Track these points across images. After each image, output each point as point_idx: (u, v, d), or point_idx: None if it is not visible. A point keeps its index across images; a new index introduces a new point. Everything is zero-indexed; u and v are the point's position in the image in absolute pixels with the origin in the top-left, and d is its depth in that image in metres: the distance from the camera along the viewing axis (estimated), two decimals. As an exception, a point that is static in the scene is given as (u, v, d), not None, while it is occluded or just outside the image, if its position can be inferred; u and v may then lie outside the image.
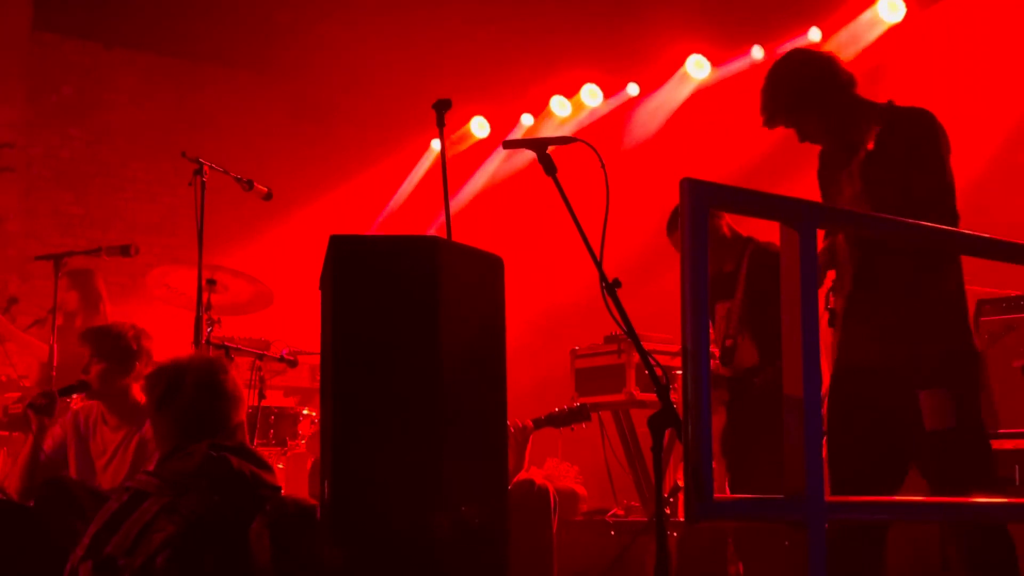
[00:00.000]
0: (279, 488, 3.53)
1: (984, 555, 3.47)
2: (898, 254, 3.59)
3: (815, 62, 3.84)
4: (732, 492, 4.84)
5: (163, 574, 3.15)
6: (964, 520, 3.37)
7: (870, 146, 3.66)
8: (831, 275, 3.87)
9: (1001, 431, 4.89)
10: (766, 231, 4.21)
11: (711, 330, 5.22)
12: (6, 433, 6.55)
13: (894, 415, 3.58)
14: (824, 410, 4.99)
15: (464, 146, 10.38)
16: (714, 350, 5.21)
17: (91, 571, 3.22)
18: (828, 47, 8.20)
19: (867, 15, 8.00)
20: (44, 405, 4.74)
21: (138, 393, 4.93)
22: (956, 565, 3.51)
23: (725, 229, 5.23)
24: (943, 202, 3.58)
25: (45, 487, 4.33)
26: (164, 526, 3.23)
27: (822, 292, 3.93)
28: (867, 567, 3.60)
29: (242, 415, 3.72)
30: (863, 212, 3.49)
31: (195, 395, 3.58)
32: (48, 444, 4.86)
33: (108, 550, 3.24)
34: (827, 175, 3.89)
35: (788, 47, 8.27)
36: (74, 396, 5.05)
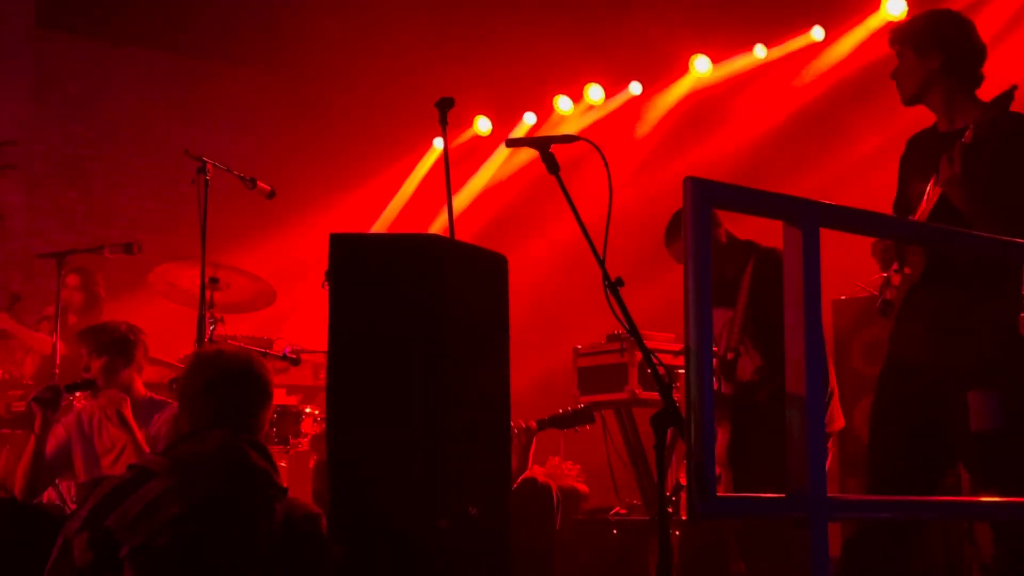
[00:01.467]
0: (286, 489, 3.50)
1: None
2: (974, 254, 3.50)
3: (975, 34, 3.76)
4: None
5: (163, 554, 3.08)
6: (965, 518, 3.37)
7: (968, 138, 3.49)
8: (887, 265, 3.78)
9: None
10: (768, 231, 4.20)
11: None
12: (8, 431, 6.54)
13: (940, 415, 3.56)
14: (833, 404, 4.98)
15: (464, 138, 10.37)
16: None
17: (86, 543, 3.13)
18: (830, 46, 8.21)
19: (870, 13, 7.99)
20: (49, 399, 4.73)
21: (142, 387, 4.93)
22: (993, 568, 3.49)
23: (723, 236, 5.12)
24: None
25: None
26: (169, 506, 3.18)
27: (877, 282, 3.87)
28: (892, 568, 3.58)
29: (266, 413, 3.54)
30: (958, 195, 3.46)
31: (228, 383, 3.42)
32: (51, 445, 4.85)
33: (107, 523, 3.13)
34: (915, 159, 3.78)
35: (789, 46, 8.35)
36: (77, 396, 5.04)
